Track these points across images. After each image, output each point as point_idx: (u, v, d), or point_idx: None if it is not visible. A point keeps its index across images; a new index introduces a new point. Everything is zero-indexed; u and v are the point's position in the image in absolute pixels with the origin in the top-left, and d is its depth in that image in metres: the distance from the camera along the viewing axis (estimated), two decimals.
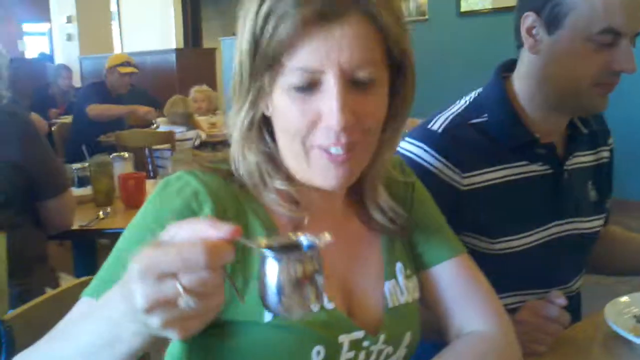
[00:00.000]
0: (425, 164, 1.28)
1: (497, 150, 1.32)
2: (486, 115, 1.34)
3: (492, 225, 1.32)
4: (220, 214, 0.88)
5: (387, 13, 0.85)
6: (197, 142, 4.81)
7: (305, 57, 0.83)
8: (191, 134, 4.85)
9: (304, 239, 0.71)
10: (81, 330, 0.75)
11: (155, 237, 0.84)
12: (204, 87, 6.15)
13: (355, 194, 1.00)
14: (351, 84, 0.84)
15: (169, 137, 4.49)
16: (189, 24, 10.80)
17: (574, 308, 1.41)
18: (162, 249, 0.64)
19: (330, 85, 0.83)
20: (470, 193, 1.28)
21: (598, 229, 1.46)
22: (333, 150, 0.86)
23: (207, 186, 0.89)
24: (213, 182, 0.90)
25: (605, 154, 1.50)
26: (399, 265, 1.02)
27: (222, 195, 0.90)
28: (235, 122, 0.92)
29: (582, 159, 1.43)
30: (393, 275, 1.00)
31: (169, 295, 0.62)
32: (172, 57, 8.58)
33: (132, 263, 0.64)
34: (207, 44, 10.62)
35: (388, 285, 0.99)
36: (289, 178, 0.93)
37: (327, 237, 0.70)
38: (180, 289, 0.62)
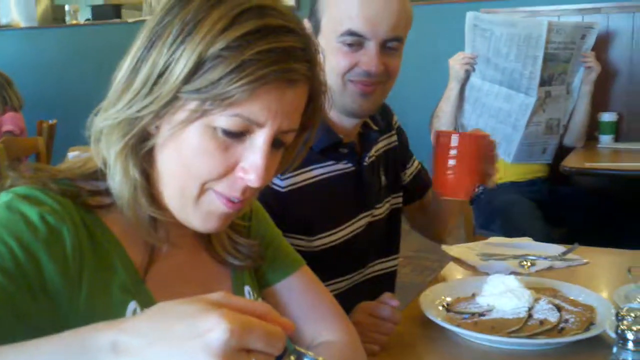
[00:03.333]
0: None
1: (309, 152, 1.37)
2: None
3: (310, 223, 1.40)
4: (76, 239, 0.80)
5: (322, 88, 0.89)
6: None
7: (253, 109, 0.78)
8: None
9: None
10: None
11: (14, 254, 0.74)
12: None
13: None
14: (273, 143, 0.83)
15: None
16: None
17: (391, 286, 1.61)
18: (249, 321, 0.56)
19: (260, 141, 0.81)
20: (289, 194, 1.36)
21: (392, 207, 1.60)
22: (232, 199, 0.84)
23: (61, 205, 0.80)
24: (65, 203, 0.81)
25: (394, 137, 1.64)
26: (247, 289, 1.01)
27: (75, 219, 0.81)
28: (115, 130, 0.82)
29: (374, 152, 1.55)
30: None
31: None
32: None
33: (217, 317, 0.55)
34: None
35: None
36: (160, 207, 0.87)
37: None
38: None
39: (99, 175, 0.87)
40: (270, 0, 0.82)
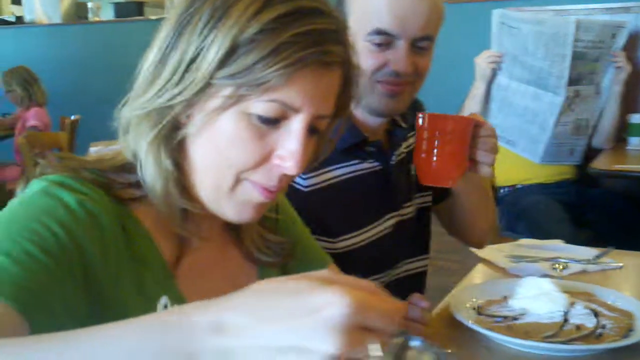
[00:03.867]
0: None
1: (332, 151, 1.33)
2: None
3: (333, 224, 1.35)
4: (112, 228, 0.77)
5: (356, 71, 0.85)
6: None
7: (290, 93, 0.75)
8: None
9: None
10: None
11: (55, 234, 0.71)
12: None
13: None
14: (308, 129, 0.80)
15: None
16: None
17: (420, 286, 1.56)
18: (368, 297, 0.52)
19: (297, 127, 0.78)
20: (312, 194, 1.31)
21: (419, 207, 1.54)
22: (269, 188, 0.81)
23: (96, 194, 0.78)
24: (99, 193, 0.79)
25: None
26: None
27: (109, 209, 0.78)
28: (145, 121, 0.79)
29: (404, 148, 1.50)
30: None
31: (360, 349, 0.53)
32: None
33: (336, 292, 0.51)
34: None
35: None
36: (191, 198, 0.84)
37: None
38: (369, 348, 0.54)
39: (129, 168, 0.84)
40: None
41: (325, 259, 1.06)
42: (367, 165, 1.39)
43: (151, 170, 0.81)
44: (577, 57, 3.01)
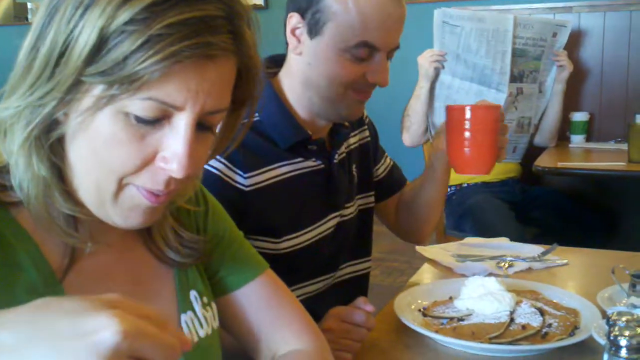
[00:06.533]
0: (209, 168, 1.22)
1: (274, 148, 1.32)
2: (258, 114, 1.30)
3: (276, 224, 1.31)
4: None
5: (255, 58, 0.77)
6: None
7: (167, 90, 0.67)
8: None
9: None
10: None
11: None
12: None
13: None
14: (197, 128, 0.72)
15: None
16: None
17: (363, 289, 1.54)
18: (144, 327, 0.51)
19: (181, 126, 0.70)
20: (254, 193, 1.26)
21: (361, 207, 1.52)
22: (155, 192, 0.73)
23: None
24: None
25: (366, 132, 1.56)
26: (193, 294, 0.90)
27: None
28: (17, 120, 0.71)
29: (345, 148, 1.47)
30: (189, 307, 0.88)
31: None
32: None
33: (109, 317, 0.50)
34: None
35: (185, 318, 0.87)
36: (76, 203, 0.75)
37: None
38: None
39: (7, 170, 0.76)
40: None
41: (260, 265, 1.00)
42: (310, 163, 1.36)
43: (22, 176, 0.73)
44: (518, 54, 3.04)
